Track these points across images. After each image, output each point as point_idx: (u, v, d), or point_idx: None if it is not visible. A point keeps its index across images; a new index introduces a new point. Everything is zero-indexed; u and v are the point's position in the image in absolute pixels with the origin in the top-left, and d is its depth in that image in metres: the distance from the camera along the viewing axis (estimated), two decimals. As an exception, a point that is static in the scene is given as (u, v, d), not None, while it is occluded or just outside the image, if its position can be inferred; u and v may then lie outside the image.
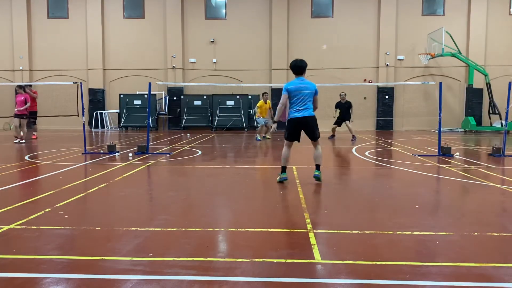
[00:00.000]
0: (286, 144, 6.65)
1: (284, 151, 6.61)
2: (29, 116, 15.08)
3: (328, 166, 8.39)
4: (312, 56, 22.68)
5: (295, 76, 6.59)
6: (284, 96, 6.45)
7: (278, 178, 6.63)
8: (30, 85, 16.07)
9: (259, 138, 14.88)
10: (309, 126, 6.50)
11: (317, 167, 6.62)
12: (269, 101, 15.29)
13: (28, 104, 14.16)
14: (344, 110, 15.24)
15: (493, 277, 3.00)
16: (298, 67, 6.50)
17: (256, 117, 15.63)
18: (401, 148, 12.44)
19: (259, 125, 15.50)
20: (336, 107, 15.44)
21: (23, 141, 13.74)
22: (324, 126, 15.89)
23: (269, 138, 15.18)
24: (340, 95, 15.41)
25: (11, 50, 23.60)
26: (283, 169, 6.59)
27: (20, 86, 14.44)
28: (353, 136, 15.26)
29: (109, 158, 9.67)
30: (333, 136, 15.67)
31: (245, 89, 21.68)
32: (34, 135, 15.78)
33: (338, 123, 15.51)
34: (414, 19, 22.66)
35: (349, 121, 15.23)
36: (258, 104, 15.12)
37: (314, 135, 6.57)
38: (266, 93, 15.38)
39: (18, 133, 13.85)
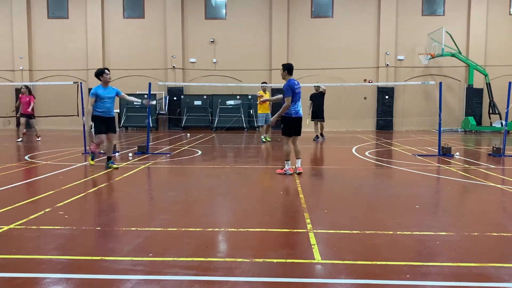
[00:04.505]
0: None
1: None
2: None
3: (328, 166, 8.40)
4: (312, 56, 22.76)
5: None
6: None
7: None
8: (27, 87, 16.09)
9: (263, 139, 14.31)
10: None
11: None
12: (268, 93, 14.58)
13: (32, 104, 14.30)
14: (318, 101, 14.77)
15: (493, 277, 3.00)
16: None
17: (259, 100, 14.44)
18: (401, 148, 12.43)
19: (259, 125, 14.90)
20: (310, 99, 14.93)
21: (39, 139, 13.93)
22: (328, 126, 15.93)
23: (269, 140, 14.31)
24: (314, 86, 14.89)
25: (11, 50, 23.59)
26: None
27: (26, 87, 14.52)
28: (322, 135, 15.06)
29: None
30: (317, 137, 14.97)
31: (245, 89, 21.67)
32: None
33: (314, 117, 14.94)
34: (414, 19, 22.65)
35: (323, 121, 15.01)
36: (258, 94, 14.47)
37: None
38: (265, 82, 14.72)
39: (21, 131, 13.99)
